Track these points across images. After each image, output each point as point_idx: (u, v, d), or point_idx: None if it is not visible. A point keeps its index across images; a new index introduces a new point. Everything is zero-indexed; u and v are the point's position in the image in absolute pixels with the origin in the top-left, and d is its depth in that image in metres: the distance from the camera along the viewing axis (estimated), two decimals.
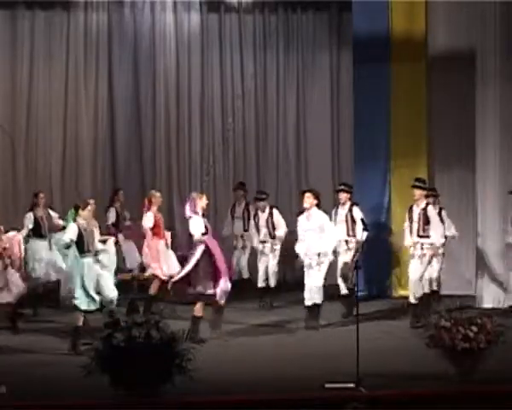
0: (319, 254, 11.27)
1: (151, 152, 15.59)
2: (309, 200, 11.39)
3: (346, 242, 12.38)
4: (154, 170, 15.56)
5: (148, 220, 12.20)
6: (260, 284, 13.27)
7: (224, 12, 15.68)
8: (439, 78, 13.61)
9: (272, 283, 13.24)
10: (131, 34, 15.44)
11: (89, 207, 10.48)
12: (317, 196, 11.47)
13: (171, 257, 12.29)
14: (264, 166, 15.87)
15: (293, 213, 13.72)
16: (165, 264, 12.09)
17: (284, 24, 15.81)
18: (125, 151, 15.56)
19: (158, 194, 12.68)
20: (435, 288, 12.31)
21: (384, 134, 13.79)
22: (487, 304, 12.49)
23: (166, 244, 12.40)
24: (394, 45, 13.78)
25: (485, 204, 12.86)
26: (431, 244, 11.56)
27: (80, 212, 10.42)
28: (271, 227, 13.17)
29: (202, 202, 10.83)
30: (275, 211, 13.30)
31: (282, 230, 13.13)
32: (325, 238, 11.29)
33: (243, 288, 13.34)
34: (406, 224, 11.85)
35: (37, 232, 12.64)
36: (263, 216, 13.27)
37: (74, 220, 10.41)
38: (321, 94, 15.91)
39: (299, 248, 11.49)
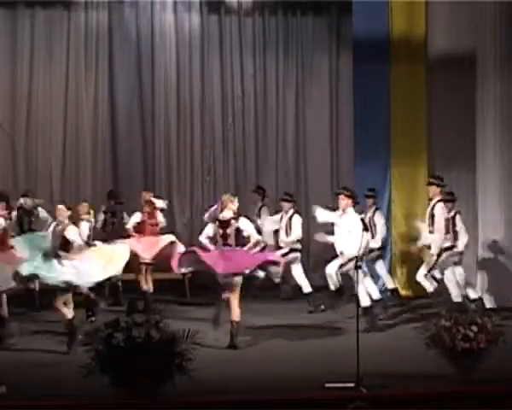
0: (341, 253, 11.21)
1: (151, 152, 15.58)
2: (343, 201, 11.23)
3: None
4: (154, 170, 15.57)
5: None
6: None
7: (224, 13, 15.69)
8: (439, 78, 13.62)
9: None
10: (132, 34, 15.43)
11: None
12: (351, 196, 11.30)
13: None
14: (264, 166, 15.86)
15: None
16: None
17: (284, 25, 15.82)
18: (126, 151, 15.55)
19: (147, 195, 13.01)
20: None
21: (384, 134, 13.80)
22: (487, 304, 12.48)
23: None
24: (394, 46, 13.79)
25: (485, 204, 12.85)
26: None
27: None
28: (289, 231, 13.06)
29: (234, 206, 10.58)
30: (295, 216, 13.08)
31: (294, 235, 12.96)
32: (349, 240, 11.07)
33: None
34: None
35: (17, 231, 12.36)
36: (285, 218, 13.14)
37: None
38: (321, 95, 15.89)
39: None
